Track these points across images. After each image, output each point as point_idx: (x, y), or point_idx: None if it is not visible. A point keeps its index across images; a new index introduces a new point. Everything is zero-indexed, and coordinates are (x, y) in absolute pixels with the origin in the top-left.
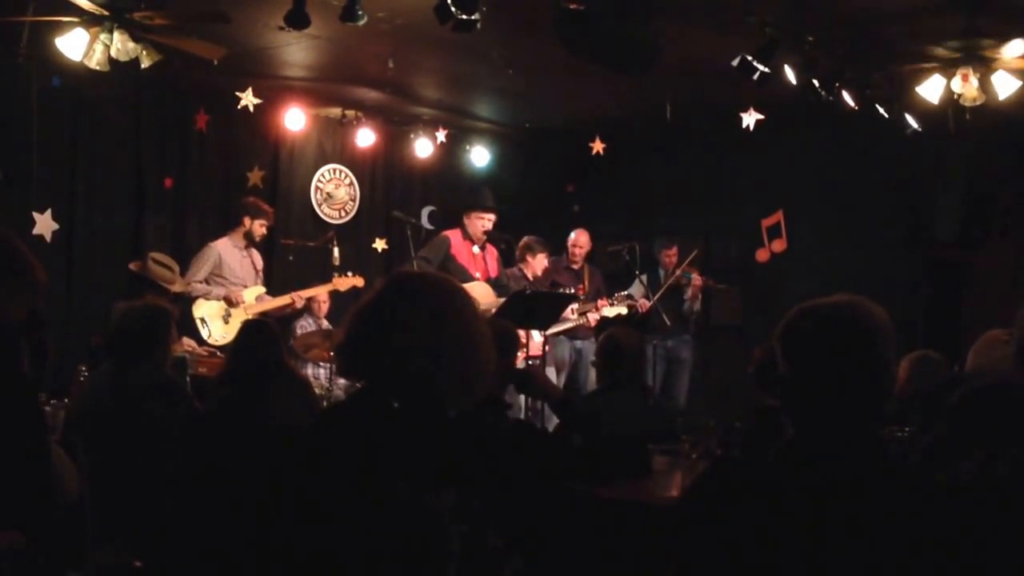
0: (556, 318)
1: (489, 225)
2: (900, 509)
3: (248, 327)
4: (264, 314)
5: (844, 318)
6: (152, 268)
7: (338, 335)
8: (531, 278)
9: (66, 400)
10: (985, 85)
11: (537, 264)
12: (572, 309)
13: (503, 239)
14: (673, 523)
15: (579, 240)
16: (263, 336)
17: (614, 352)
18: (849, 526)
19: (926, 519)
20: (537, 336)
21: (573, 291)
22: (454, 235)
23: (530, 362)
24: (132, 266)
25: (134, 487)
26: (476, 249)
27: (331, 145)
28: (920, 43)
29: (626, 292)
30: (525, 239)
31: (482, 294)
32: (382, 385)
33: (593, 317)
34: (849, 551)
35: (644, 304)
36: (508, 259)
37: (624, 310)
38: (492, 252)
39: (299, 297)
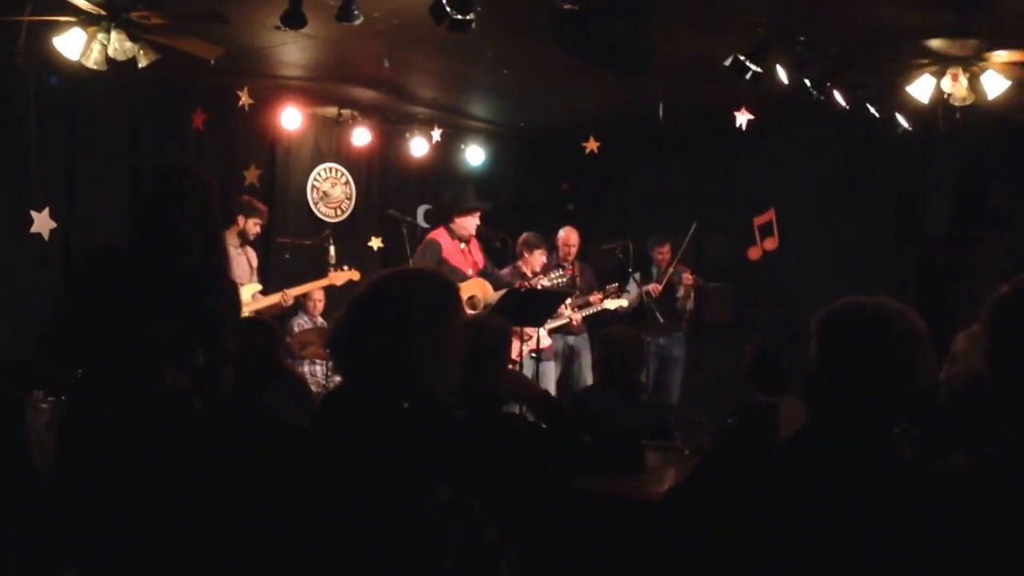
0: (551, 315)
1: (478, 222)
2: (901, 500)
3: (245, 325)
4: (260, 312)
5: (883, 318)
6: None
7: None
8: (529, 274)
9: (63, 398)
10: (975, 85)
11: (535, 260)
12: (567, 305)
13: (499, 237)
14: (668, 511)
15: (569, 238)
16: (260, 334)
17: (612, 349)
18: (850, 514)
19: (926, 511)
20: (544, 332)
21: (563, 274)
22: (441, 236)
23: (534, 355)
24: None
25: (132, 484)
26: (462, 245)
27: (327, 144)
28: (910, 43)
29: (616, 284)
30: (524, 235)
31: (480, 289)
32: (371, 381)
33: (576, 317)
34: (851, 538)
35: (656, 288)
36: (504, 257)
37: (625, 302)
38: (475, 243)
39: (287, 295)
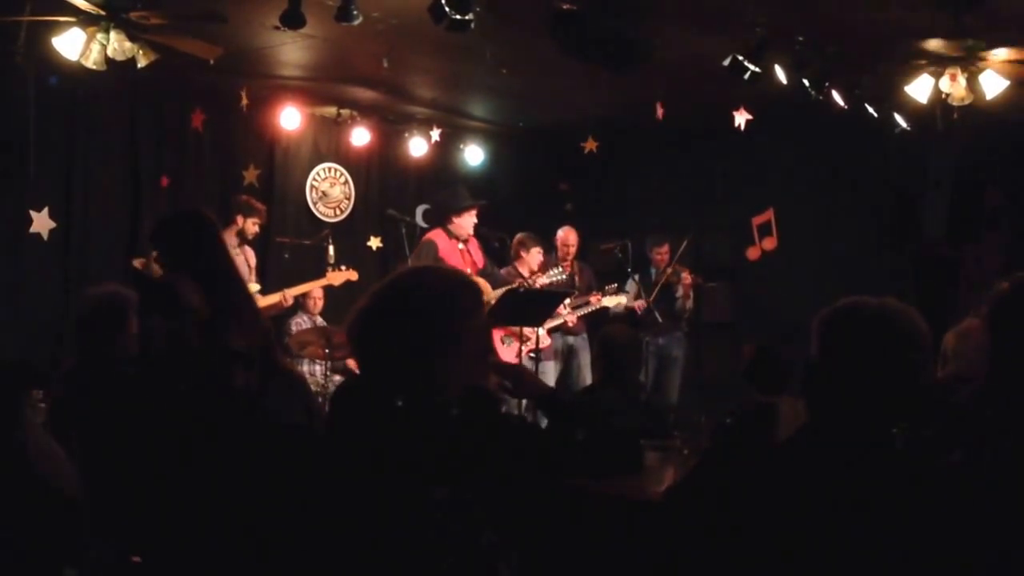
0: (550, 315)
1: (475, 220)
2: (901, 496)
3: None
4: None
5: (885, 320)
6: (157, 267)
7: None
8: (527, 274)
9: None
10: (973, 85)
11: (531, 259)
12: (565, 305)
13: (497, 237)
14: (668, 510)
15: (568, 239)
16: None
17: (609, 349)
18: (853, 510)
19: (926, 507)
20: (542, 332)
21: (561, 271)
22: (438, 237)
23: (532, 355)
24: (136, 263)
25: (125, 482)
26: (460, 245)
27: (326, 144)
28: (909, 43)
29: (615, 284)
30: (518, 236)
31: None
32: (385, 375)
33: (571, 318)
34: (852, 535)
35: (640, 305)
36: (502, 257)
37: (624, 299)
38: (474, 243)
39: (287, 295)
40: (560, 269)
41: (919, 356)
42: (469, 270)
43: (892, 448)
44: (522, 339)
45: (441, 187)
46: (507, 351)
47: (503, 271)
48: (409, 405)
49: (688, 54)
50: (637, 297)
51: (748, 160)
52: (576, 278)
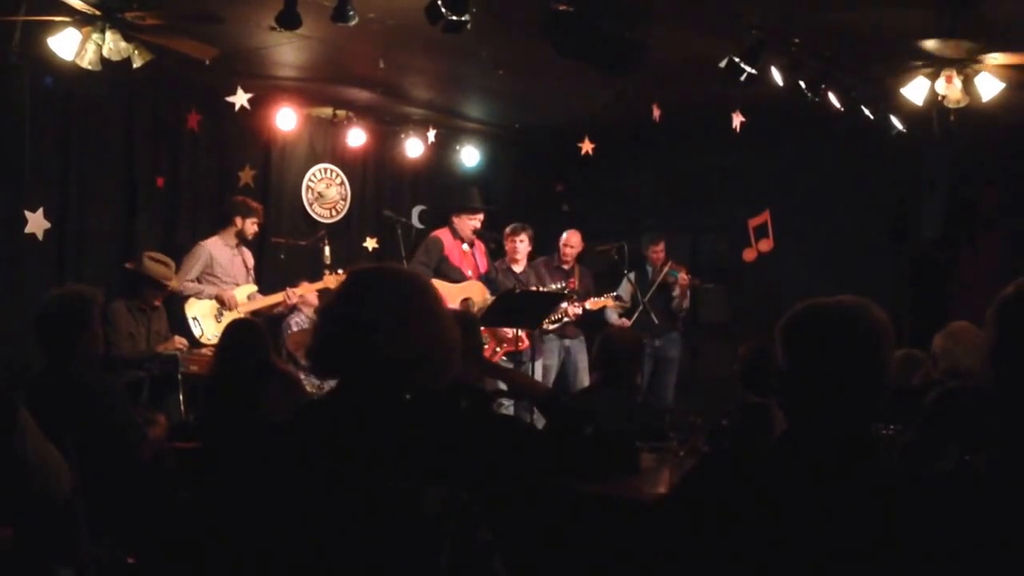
0: (546, 317)
1: (478, 224)
2: (888, 503)
3: (233, 326)
4: (256, 312)
5: (846, 319)
6: (148, 265)
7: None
8: (518, 259)
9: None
10: (969, 87)
11: (520, 248)
12: (563, 308)
13: (492, 238)
14: (664, 516)
15: (571, 241)
16: (248, 335)
17: (610, 350)
18: (838, 518)
19: (911, 513)
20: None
21: (565, 287)
22: (444, 235)
23: (525, 358)
24: (128, 264)
25: (123, 484)
26: (465, 247)
27: (322, 145)
28: (905, 45)
29: (614, 293)
30: (509, 227)
31: (477, 292)
32: (359, 379)
33: (574, 311)
34: (837, 543)
35: (624, 322)
36: (497, 258)
37: (627, 303)
38: (480, 247)
39: (291, 294)
40: (565, 285)
41: (884, 349)
42: (470, 272)
43: (876, 448)
44: (517, 339)
45: (438, 188)
46: (488, 348)
47: (496, 263)
48: (416, 399)
49: (684, 55)
50: (633, 298)
51: (744, 162)
52: (576, 283)
